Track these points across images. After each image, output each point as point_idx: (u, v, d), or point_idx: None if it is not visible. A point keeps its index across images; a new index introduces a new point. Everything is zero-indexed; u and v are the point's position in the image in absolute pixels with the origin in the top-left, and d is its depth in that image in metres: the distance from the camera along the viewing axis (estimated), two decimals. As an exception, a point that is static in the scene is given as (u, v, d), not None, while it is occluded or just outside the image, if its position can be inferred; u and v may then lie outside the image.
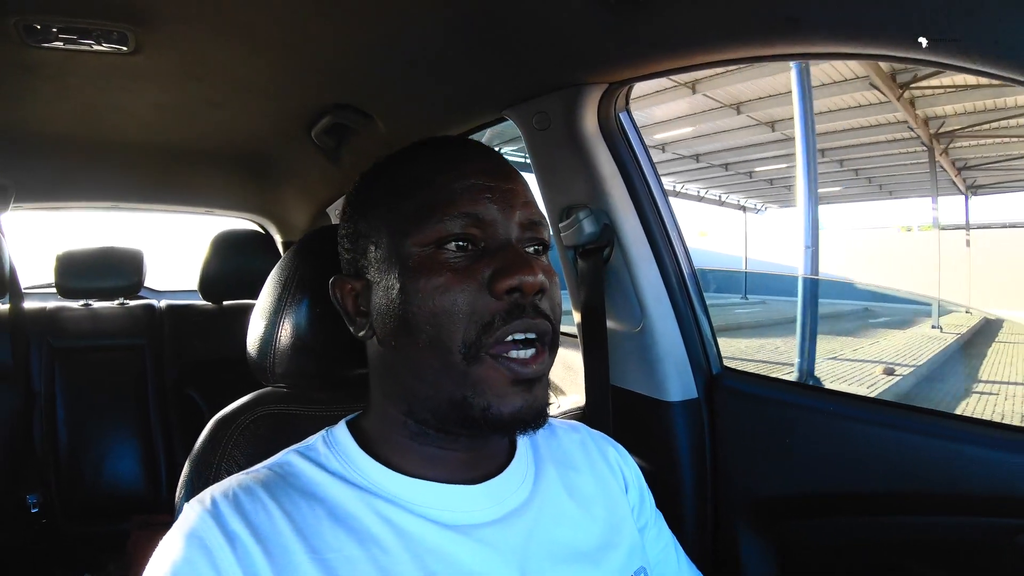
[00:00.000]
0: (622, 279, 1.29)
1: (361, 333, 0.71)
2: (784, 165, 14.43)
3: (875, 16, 0.81)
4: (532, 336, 0.65)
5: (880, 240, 20.96)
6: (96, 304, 2.49)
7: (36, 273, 3.12)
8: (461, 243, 0.65)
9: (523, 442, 0.77)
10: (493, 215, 0.66)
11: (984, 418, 1.09)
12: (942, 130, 11.17)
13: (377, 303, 0.68)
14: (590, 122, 1.25)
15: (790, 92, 7.45)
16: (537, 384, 0.65)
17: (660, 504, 0.89)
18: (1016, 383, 8.64)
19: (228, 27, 1.27)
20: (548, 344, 0.66)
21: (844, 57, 0.91)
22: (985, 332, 13.14)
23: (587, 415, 1.31)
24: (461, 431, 0.66)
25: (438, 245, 0.65)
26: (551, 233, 0.72)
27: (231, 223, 2.82)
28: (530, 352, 0.65)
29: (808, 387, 1.22)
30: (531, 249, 0.69)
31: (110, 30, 1.25)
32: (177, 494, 0.86)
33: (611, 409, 1.29)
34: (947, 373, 9.56)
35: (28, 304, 2.26)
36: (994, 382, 8.69)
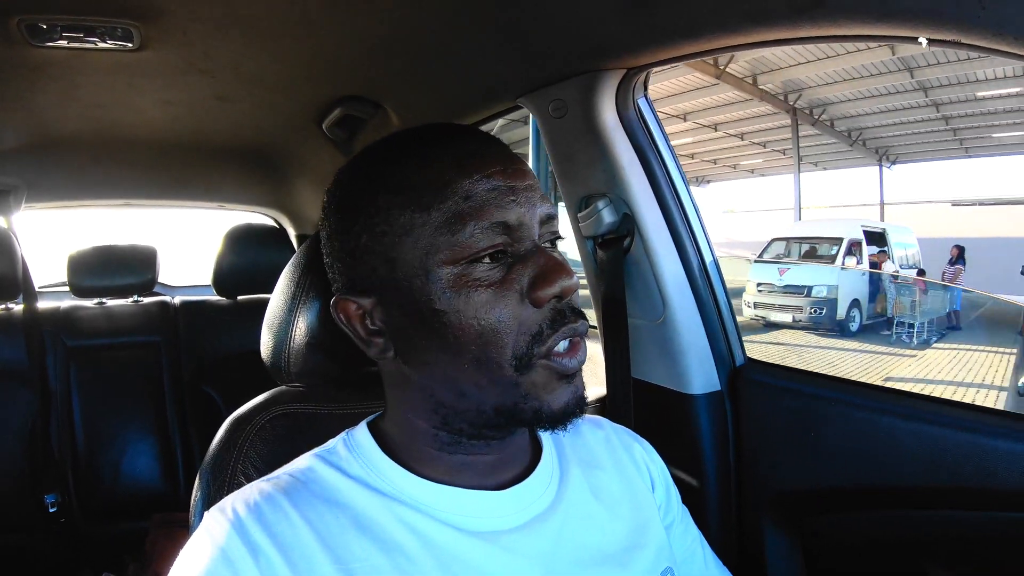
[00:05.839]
0: (643, 270, 1.26)
1: (389, 355, 0.66)
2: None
3: None
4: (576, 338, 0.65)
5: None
6: (110, 302, 2.49)
7: (49, 272, 3.14)
8: (497, 253, 0.62)
9: (548, 443, 0.75)
10: (521, 219, 0.63)
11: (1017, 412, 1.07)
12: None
13: (398, 324, 0.64)
14: (608, 109, 1.22)
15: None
16: (578, 375, 0.66)
17: (683, 498, 0.88)
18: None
19: (233, 20, 1.25)
20: (583, 335, 0.67)
21: (869, 39, 0.88)
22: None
23: (608, 407, 1.30)
24: (501, 433, 0.66)
25: (472, 260, 0.61)
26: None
27: (244, 217, 2.81)
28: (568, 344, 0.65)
29: (834, 379, 1.20)
30: (549, 244, 0.67)
31: (115, 27, 1.24)
32: (193, 496, 0.86)
33: (632, 402, 1.27)
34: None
35: (42, 304, 2.26)
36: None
